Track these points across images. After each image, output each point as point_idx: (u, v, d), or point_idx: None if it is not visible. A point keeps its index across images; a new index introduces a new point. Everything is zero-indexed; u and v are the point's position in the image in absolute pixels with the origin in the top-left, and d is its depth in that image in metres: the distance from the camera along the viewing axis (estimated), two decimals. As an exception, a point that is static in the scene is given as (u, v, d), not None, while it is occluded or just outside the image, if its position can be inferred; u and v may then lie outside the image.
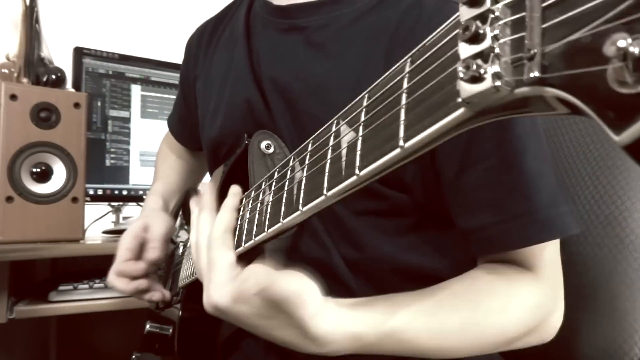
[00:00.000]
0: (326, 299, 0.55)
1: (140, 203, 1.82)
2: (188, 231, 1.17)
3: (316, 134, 0.46)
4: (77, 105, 1.38)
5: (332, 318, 0.54)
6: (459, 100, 0.26)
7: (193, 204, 0.81)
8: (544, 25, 0.22)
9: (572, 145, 0.89)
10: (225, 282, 0.57)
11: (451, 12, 0.68)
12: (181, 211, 1.20)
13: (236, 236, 0.62)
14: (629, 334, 0.78)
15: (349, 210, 0.74)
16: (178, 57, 1.33)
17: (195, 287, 0.95)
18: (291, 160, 0.50)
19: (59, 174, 1.37)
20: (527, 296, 0.66)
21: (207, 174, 1.30)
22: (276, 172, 0.54)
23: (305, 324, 0.52)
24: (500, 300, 0.64)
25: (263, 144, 0.72)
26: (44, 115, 1.34)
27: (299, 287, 0.52)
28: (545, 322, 0.67)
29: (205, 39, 1.03)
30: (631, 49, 0.18)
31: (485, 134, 0.64)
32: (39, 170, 1.34)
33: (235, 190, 0.69)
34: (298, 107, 0.76)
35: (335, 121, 0.42)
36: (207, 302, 0.58)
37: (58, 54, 1.64)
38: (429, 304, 0.62)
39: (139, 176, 1.79)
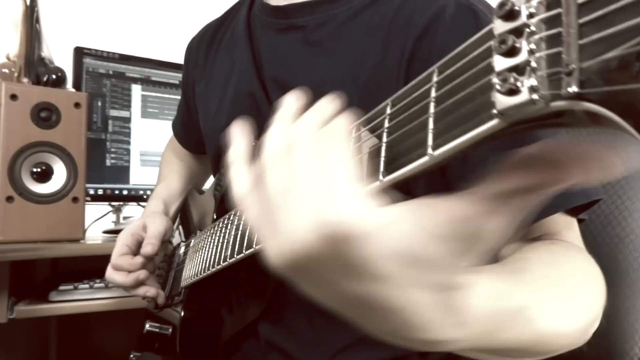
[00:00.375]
0: None
1: (141, 203, 1.82)
2: (181, 233, 1.18)
3: None
4: (77, 105, 1.38)
5: (485, 290, 0.40)
6: (494, 111, 0.26)
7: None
8: (581, 42, 0.22)
9: (572, 146, 0.90)
10: (363, 194, 0.34)
11: (447, 2, 0.69)
12: (179, 215, 1.21)
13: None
14: (630, 333, 0.79)
15: None
16: (179, 57, 1.33)
17: (197, 287, 0.95)
18: None
19: (60, 174, 1.37)
20: (594, 266, 0.58)
21: (211, 177, 1.31)
22: None
23: (460, 288, 0.37)
24: (584, 270, 0.57)
25: None
26: (45, 115, 1.34)
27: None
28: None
29: (205, 43, 1.04)
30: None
31: None
32: (39, 170, 1.34)
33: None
34: None
35: (356, 127, 0.43)
36: (330, 217, 0.32)
37: (58, 53, 1.64)
38: (532, 275, 0.50)
39: (139, 176, 1.79)
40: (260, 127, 0.76)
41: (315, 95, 0.74)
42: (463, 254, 0.33)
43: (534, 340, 0.47)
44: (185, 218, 1.20)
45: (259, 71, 0.85)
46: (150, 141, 1.81)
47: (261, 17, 0.88)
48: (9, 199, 1.29)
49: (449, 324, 0.36)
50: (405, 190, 0.68)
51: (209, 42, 1.03)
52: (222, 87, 0.92)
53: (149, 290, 1.00)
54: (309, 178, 0.35)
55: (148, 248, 0.99)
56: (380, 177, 0.36)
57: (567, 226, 0.64)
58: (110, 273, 1.00)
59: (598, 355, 0.83)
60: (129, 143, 1.77)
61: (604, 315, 0.80)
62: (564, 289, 0.52)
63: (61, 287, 1.38)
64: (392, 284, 0.33)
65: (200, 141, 1.11)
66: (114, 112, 1.75)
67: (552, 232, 0.63)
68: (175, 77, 1.85)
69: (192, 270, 0.94)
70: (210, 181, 1.33)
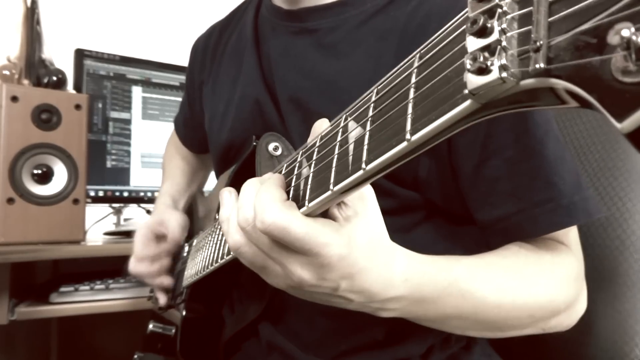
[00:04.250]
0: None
1: (142, 205, 1.83)
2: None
3: (324, 130, 0.47)
4: (78, 106, 1.39)
5: (405, 254, 0.54)
6: (466, 92, 0.26)
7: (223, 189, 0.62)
8: (550, 19, 0.22)
9: (573, 147, 0.90)
10: (334, 233, 0.46)
11: (465, 6, 0.69)
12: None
13: None
14: (630, 335, 0.79)
15: None
16: (179, 59, 1.33)
17: (199, 286, 0.95)
18: (298, 156, 0.51)
19: (60, 176, 1.37)
20: (569, 265, 0.67)
21: (212, 175, 1.31)
22: (283, 169, 0.54)
23: (393, 258, 0.52)
24: (548, 266, 0.65)
25: (271, 146, 0.72)
26: (45, 117, 1.34)
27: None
28: (578, 298, 0.68)
29: (211, 44, 1.05)
30: (634, 37, 0.18)
31: (504, 125, 0.65)
32: (40, 171, 1.34)
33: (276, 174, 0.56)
34: (309, 107, 0.78)
35: (343, 117, 0.43)
36: (323, 264, 0.47)
37: (59, 55, 1.65)
38: (485, 261, 0.63)
39: (139, 178, 1.79)
40: (264, 131, 0.77)
41: (327, 98, 0.75)
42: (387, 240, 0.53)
43: (473, 309, 0.59)
44: (191, 218, 1.20)
45: (265, 74, 0.86)
46: (151, 143, 1.82)
47: (272, 20, 0.88)
48: (10, 200, 1.29)
49: (393, 284, 0.52)
50: (413, 187, 0.70)
51: (215, 43, 1.04)
52: (230, 90, 0.93)
53: (166, 280, 1.05)
54: (282, 255, 0.48)
55: (175, 234, 1.05)
56: (363, 165, 0.36)
57: (566, 233, 0.70)
58: (133, 265, 1.03)
59: (599, 356, 0.82)
60: (129, 145, 1.78)
61: (606, 317, 0.81)
62: (515, 274, 0.63)
63: (62, 289, 1.38)
64: (360, 272, 0.49)
65: (201, 141, 1.12)
66: (114, 114, 1.76)
67: (548, 236, 0.69)
68: (176, 79, 1.85)
69: (192, 269, 0.94)
70: (212, 181, 1.34)
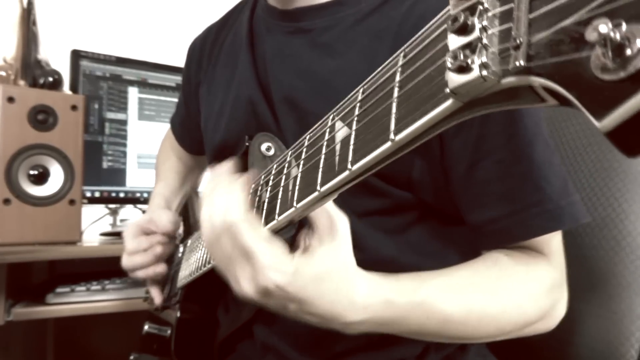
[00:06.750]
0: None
1: (138, 205, 1.82)
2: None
3: (312, 130, 0.47)
4: (74, 107, 1.38)
5: (367, 283, 0.55)
6: (447, 91, 0.26)
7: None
8: (531, 16, 0.22)
9: (569, 147, 0.90)
10: (281, 259, 0.51)
11: None
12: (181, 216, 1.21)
13: None
14: (626, 336, 0.78)
15: (350, 210, 0.74)
16: (175, 60, 1.33)
17: (194, 287, 0.95)
18: (288, 156, 0.51)
19: (56, 176, 1.37)
20: (543, 278, 0.68)
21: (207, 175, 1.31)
22: (273, 169, 0.54)
23: (353, 287, 0.53)
24: (520, 281, 0.66)
25: (263, 146, 0.72)
26: (41, 118, 1.34)
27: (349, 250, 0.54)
28: (554, 307, 0.69)
29: (208, 45, 1.04)
30: (612, 34, 0.18)
31: (496, 128, 0.65)
32: (36, 172, 1.34)
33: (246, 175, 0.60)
34: (303, 107, 0.77)
35: (331, 116, 0.43)
36: (262, 285, 0.51)
37: (55, 56, 1.65)
38: (454, 279, 0.63)
39: (136, 178, 1.79)
40: (258, 131, 0.77)
41: (322, 98, 0.74)
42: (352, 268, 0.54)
43: (437, 326, 0.61)
44: (186, 219, 1.20)
45: (259, 74, 0.85)
46: (147, 144, 1.81)
47: (267, 20, 0.87)
48: (6, 201, 1.29)
49: (352, 311, 0.53)
50: (406, 187, 0.70)
51: (211, 44, 1.04)
52: (224, 90, 0.92)
53: (160, 267, 1.02)
54: (236, 262, 0.53)
55: (168, 226, 1.02)
56: (349, 166, 0.36)
57: (549, 240, 0.69)
58: (127, 260, 1.00)
59: (595, 356, 0.82)
60: (125, 145, 1.77)
61: (601, 317, 0.80)
62: (486, 291, 0.64)
63: (58, 290, 1.38)
64: (315, 297, 0.51)
65: (197, 142, 1.11)
66: (110, 115, 1.75)
67: (532, 246, 0.70)
68: (172, 79, 1.85)
69: (187, 270, 0.94)
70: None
